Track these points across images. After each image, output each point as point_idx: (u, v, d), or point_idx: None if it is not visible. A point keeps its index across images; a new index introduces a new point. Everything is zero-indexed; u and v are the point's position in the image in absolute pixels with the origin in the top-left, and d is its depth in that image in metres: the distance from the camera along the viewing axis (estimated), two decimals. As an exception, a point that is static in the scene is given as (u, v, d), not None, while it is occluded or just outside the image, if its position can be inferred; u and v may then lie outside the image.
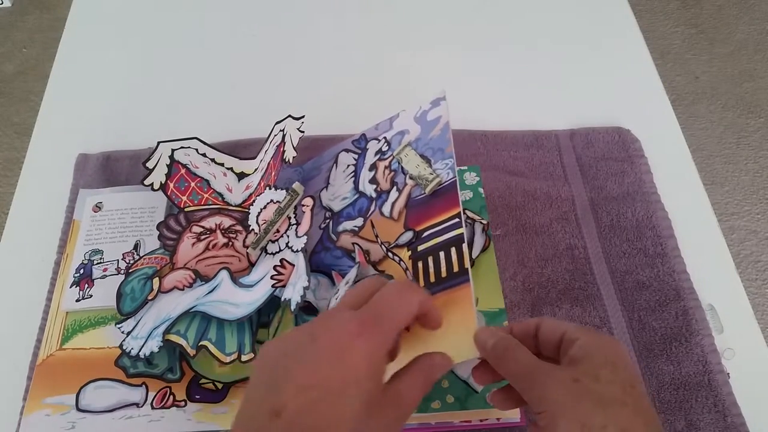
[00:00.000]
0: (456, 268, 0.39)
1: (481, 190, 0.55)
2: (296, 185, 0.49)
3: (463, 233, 0.40)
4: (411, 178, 0.46)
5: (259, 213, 0.50)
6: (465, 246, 0.39)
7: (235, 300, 0.46)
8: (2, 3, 1.80)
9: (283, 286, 0.46)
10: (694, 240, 0.55)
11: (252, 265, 0.50)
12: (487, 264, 0.51)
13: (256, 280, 0.47)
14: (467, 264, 0.38)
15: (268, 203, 0.50)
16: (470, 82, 0.68)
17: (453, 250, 0.40)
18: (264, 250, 0.50)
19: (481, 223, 0.52)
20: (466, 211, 0.52)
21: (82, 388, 0.46)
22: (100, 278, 0.50)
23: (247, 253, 0.50)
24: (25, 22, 1.78)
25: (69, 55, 0.72)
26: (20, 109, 1.60)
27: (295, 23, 0.74)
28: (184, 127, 0.63)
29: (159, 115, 0.66)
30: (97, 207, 0.55)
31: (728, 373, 0.48)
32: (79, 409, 0.45)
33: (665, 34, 1.73)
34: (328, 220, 0.50)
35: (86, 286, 0.50)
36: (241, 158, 0.55)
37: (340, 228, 0.49)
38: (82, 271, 0.51)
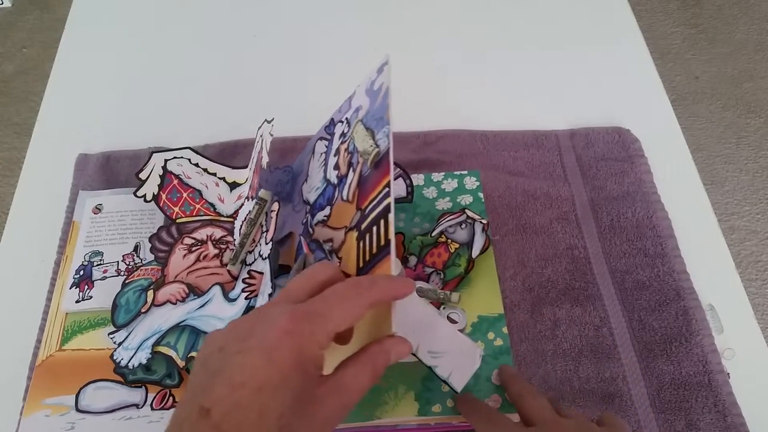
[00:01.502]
0: (383, 242, 0.35)
1: (481, 194, 0.54)
2: (262, 192, 0.48)
3: (390, 203, 0.35)
4: (361, 155, 0.42)
5: (240, 226, 0.49)
6: (391, 215, 0.35)
7: (222, 314, 0.46)
8: (2, 3, 1.80)
9: (256, 295, 0.45)
10: (694, 240, 0.55)
11: (235, 278, 0.49)
12: (486, 267, 0.51)
13: (238, 293, 0.47)
14: (391, 235, 0.35)
15: (246, 215, 0.49)
16: (470, 82, 0.68)
17: (381, 222, 0.36)
18: (243, 262, 0.49)
19: (481, 222, 0.52)
20: (466, 211, 0.52)
21: (81, 388, 0.46)
22: (100, 280, 0.50)
23: (228, 270, 0.49)
24: (25, 22, 1.78)
25: (69, 55, 0.72)
26: (20, 109, 1.60)
27: (298, 23, 0.74)
28: (185, 127, 0.64)
29: (159, 115, 0.66)
30: (97, 209, 0.55)
31: (728, 373, 0.48)
32: (78, 410, 0.45)
33: (665, 34, 1.73)
34: (307, 215, 0.48)
35: (86, 287, 0.50)
36: (233, 167, 0.54)
37: (315, 220, 0.46)
38: (81, 272, 0.51)
